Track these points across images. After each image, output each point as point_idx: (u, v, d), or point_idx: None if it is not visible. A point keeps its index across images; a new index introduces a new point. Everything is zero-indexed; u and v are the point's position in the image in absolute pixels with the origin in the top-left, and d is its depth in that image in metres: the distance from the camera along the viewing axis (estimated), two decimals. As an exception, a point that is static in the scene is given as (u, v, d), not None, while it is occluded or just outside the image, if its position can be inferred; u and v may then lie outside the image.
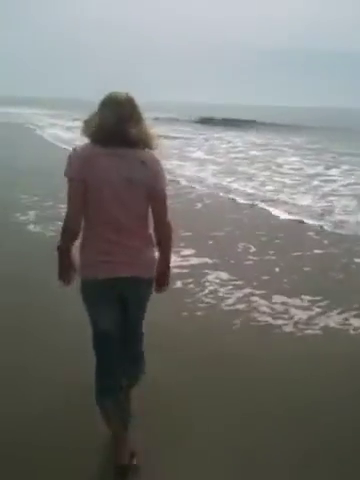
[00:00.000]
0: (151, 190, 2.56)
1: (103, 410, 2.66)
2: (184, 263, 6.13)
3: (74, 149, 2.59)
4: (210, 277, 5.72)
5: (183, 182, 12.75)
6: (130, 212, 2.55)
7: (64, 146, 18.58)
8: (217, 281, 5.60)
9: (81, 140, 2.66)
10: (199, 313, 4.73)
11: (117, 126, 2.50)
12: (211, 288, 5.39)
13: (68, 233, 2.59)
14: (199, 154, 20.52)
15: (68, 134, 24.67)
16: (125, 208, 2.54)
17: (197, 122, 46.75)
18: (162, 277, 2.73)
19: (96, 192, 2.51)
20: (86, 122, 2.63)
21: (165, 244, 2.67)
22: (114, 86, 2.70)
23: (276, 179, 14.09)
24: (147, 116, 2.62)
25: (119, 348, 2.68)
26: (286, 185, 13.11)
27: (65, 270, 2.66)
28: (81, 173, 2.50)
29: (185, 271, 5.83)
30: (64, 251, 2.62)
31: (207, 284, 5.51)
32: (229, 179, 13.81)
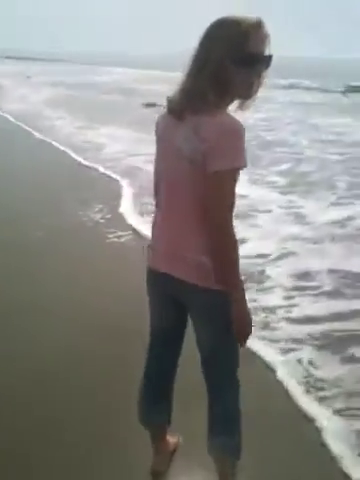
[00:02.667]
0: (203, 170, 1.74)
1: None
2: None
3: None
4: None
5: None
6: (181, 195, 1.86)
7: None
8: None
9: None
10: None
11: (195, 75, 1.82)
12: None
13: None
14: None
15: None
16: (175, 187, 1.87)
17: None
18: (234, 319, 1.85)
19: (155, 162, 2.03)
20: None
21: (214, 256, 1.79)
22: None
23: None
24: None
25: (172, 357, 2.21)
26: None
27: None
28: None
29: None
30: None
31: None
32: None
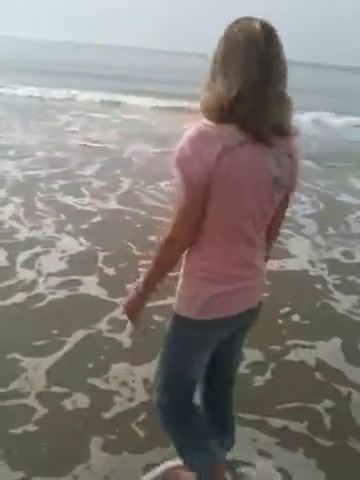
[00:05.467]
0: (288, 192, 1.82)
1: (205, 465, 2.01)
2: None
3: (198, 130, 1.58)
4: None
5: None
6: (265, 224, 1.80)
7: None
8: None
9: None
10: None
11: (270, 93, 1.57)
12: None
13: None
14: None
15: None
16: (264, 220, 1.77)
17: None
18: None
19: (231, 196, 1.64)
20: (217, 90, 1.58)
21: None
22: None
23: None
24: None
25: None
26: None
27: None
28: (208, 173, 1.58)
29: None
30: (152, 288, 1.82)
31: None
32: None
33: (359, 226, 6.44)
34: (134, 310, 1.87)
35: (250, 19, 1.57)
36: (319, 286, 4.51)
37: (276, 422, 2.79)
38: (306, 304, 4.15)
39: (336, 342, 3.62)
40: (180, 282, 1.81)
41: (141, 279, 1.79)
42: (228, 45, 1.56)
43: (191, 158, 1.56)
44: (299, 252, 5.22)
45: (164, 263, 1.73)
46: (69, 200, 6.29)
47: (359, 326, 3.91)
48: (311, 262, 5.01)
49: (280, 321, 3.83)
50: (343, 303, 4.23)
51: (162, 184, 7.33)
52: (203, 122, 1.60)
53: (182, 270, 1.80)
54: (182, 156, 1.57)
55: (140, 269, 4.43)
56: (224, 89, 1.54)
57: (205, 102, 1.60)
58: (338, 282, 4.63)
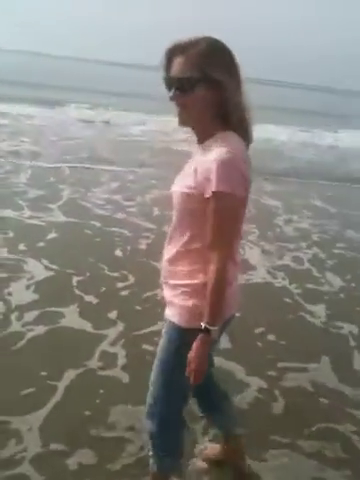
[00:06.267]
0: None
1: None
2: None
3: (231, 152, 1.65)
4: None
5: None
6: None
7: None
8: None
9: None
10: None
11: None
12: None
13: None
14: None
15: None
16: None
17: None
18: None
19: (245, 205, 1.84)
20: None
21: None
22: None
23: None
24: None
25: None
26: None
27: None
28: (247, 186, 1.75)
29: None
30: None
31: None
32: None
33: (290, 229, 6.61)
34: (206, 358, 1.78)
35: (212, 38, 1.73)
36: (288, 299, 4.47)
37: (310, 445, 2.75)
38: (281, 320, 4.07)
39: (325, 361, 3.55)
40: (190, 297, 1.78)
41: (209, 319, 1.70)
42: (223, 60, 1.68)
43: (238, 179, 1.64)
44: (255, 262, 5.15)
45: (226, 284, 1.70)
46: (8, 213, 5.76)
47: (340, 340, 3.90)
48: (270, 272, 4.97)
49: (259, 343, 3.68)
50: (316, 315, 4.22)
51: (99, 191, 7.09)
52: (226, 143, 1.66)
53: (188, 288, 1.78)
54: (232, 179, 1.63)
55: (122, 293, 4.12)
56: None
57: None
58: (300, 291, 4.63)
